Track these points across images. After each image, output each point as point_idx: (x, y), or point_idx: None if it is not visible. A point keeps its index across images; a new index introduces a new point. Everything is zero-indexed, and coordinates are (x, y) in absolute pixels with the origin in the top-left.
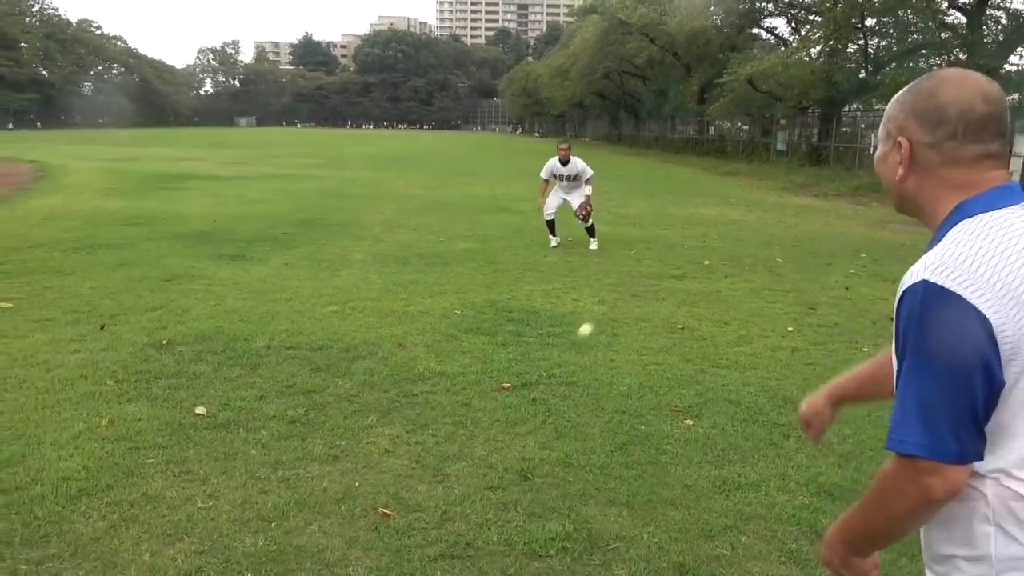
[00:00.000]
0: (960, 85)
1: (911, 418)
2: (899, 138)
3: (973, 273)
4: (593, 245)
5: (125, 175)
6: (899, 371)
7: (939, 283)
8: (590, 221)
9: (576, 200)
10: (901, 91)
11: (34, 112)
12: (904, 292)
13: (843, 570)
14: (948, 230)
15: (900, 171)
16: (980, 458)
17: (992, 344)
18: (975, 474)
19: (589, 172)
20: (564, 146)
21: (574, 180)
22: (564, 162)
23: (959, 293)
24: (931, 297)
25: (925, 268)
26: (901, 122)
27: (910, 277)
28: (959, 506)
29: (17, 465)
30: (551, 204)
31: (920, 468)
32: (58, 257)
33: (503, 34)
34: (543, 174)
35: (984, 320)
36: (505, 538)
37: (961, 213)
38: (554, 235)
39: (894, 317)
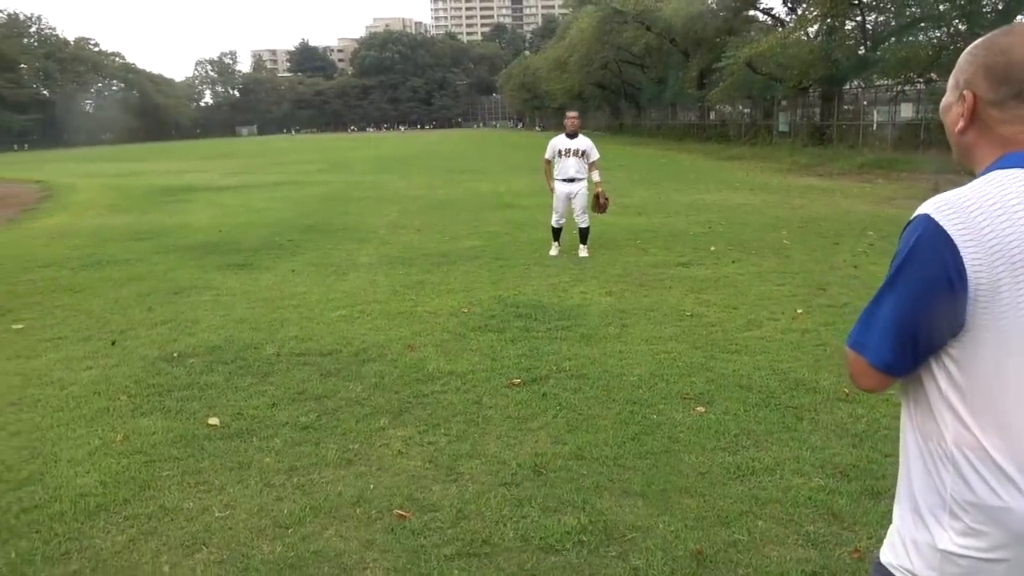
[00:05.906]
0: None
1: (862, 320)
2: (964, 91)
3: (971, 220)
4: (583, 252)
5: (130, 190)
6: None
7: (937, 220)
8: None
9: (579, 199)
10: (977, 41)
11: (37, 132)
12: (910, 221)
13: None
14: (980, 176)
15: (961, 123)
16: (903, 376)
17: (961, 290)
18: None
19: (596, 153)
20: (573, 113)
21: (581, 157)
22: (572, 135)
23: (950, 234)
24: (925, 231)
25: (933, 204)
26: (970, 75)
27: (920, 208)
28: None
29: (36, 484)
30: (560, 206)
31: (850, 359)
32: (67, 275)
33: (499, 29)
34: (547, 154)
35: (961, 267)
36: (521, 534)
37: (998, 164)
38: (557, 241)
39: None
